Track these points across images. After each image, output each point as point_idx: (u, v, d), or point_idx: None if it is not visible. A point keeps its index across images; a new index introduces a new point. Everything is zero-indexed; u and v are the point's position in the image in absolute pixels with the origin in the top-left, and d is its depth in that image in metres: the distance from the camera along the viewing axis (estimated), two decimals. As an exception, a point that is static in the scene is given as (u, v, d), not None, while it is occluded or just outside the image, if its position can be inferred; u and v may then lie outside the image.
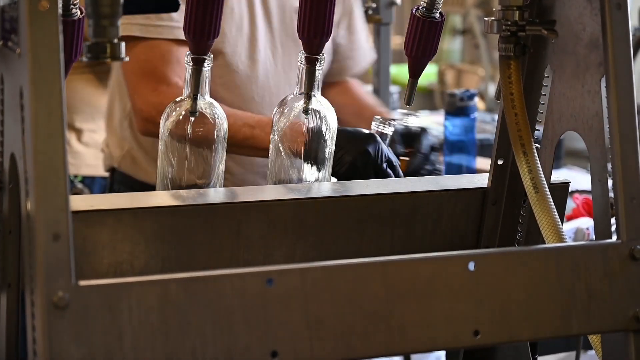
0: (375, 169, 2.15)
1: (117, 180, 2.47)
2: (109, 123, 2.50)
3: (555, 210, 1.49)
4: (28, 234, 1.17)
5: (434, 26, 1.58)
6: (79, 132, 3.11)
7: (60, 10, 1.17)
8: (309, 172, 1.68)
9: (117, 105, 2.45)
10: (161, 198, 1.55)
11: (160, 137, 1.64)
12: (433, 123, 3.85)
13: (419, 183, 1.67)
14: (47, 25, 1.15)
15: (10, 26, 1.25)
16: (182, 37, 1.65)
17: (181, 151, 1.62)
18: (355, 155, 2.14)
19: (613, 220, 1.42)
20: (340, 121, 1.75)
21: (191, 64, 1.59)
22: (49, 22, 1.16)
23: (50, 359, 1.13)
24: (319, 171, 1.68)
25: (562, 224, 1.52)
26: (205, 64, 1.59)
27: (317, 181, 1.68)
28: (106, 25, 1.21)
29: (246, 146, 2.10)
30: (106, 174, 2.55)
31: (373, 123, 2.35)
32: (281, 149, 1.66)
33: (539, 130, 1.59)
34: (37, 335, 1.15)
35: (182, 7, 1.54)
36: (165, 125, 1.62)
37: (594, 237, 1.50)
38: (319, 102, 1.66)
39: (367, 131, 2.26)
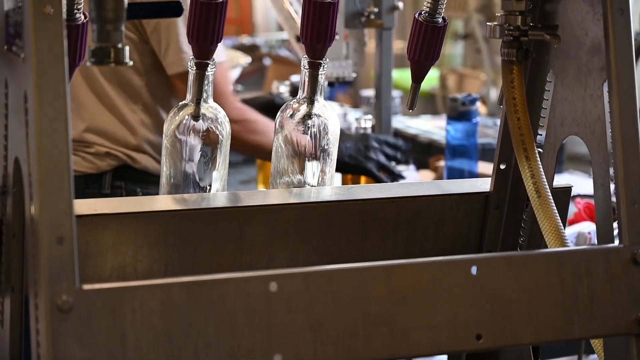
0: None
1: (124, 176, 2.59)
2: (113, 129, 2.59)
3: (557, 214, 1.49)
4: (32, 238, 1.18)
5: (436, 31, 1.58)
6: None
7: (64, 15, 1.17)
8: (312, 175, 1.68)
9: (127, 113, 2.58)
10: (164, 202, 1.55)
11: (163, 141, 1.64)
12: (435, 127, 3.85)
13: (422, 187, 1.67)
14: (52, 29, 1.16)
15: (14, 31, 1.25)
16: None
17: (184, 155, 1.63)
18: (377, 154, 2.42)
19: (615, 225, 1.42)
20: None
21: (194, 68, 1.59)
22: (54, 26, 1.16)
23: (54, 362, 1.14)
24: (322, 174, 1.68)
25: (564, 228, 1.52)
26: (209, 69, 1.59)
27: (320, 185, 1.68)
28: (110, 30, 1.21)
29: None
30: None
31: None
32: (284, 152, 1.67)
33: (541, 134, 1.60)
34: (41, 338, 1.15)
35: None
36: (168, 129, 1.63)
37: (595, 241, 1.51)
38: (322, 106, 1.66)
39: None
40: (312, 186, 1.68)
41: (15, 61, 1.24)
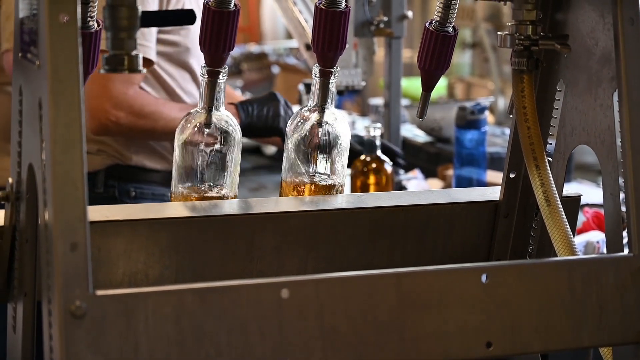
0: None
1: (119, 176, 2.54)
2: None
3: (567, 223, 1.49)
4: (45, 244, 1.19)
5: (447, 40, 1.59)
6: None
7: (79, 23, 1.18)
8: (322, 182, 1.68)
9: None
10: (176, 209, 1.56)
11: (175, 148, 1.65)
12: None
13: (432, 196, 1.68)
14: (67, 37, 1.17)
15: (29, 38, 1.26)
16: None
17: (195, 162, 1.63)
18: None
19: (625, 234, 1.43)
20: None
21: (206, 76, 1.60)
22: (69, 34, 1.17)
23: (67, 368, 1.14)
24: (332, 181, 1.69)
25: (574, 237, 1.53)
26: (220, 77, 1.60)
27: (331, 192, 1.69)
28: (124, 38, 1.22)
29: None
30: None
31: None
32: (295, 159, 1.67)
33: (551, 143, 1.60)
34: (54, 344, 1.16)
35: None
36: (180, 136, 1.64)
37: (604, 250, 1.51)
38: (332, 114, 1.67)
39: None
40: (322, 194, 1.69)
41: (30, 68, 1.25)
